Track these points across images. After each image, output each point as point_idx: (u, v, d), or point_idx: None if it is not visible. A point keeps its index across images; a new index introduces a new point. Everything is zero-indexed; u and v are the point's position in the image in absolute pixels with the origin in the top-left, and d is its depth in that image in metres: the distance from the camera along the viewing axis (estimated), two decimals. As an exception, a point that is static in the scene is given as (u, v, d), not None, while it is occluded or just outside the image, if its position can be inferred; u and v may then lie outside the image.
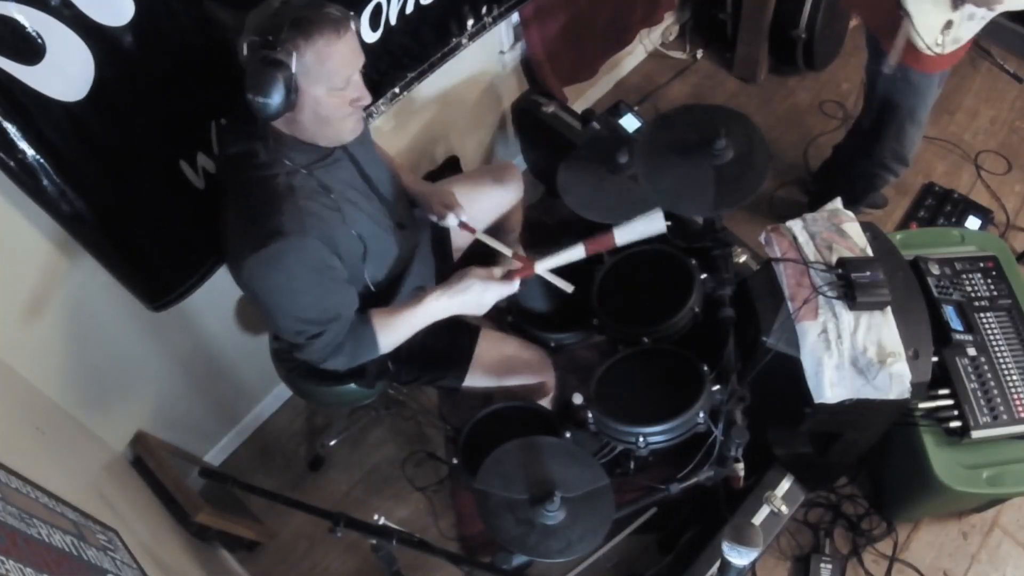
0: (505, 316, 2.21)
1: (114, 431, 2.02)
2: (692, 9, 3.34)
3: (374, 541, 1.46)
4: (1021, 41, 3.19)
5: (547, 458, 1.54)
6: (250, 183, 1.46)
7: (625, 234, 1.66)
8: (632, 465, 2.05)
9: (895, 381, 1.62)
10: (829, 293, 1.69)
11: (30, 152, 1.35)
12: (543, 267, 1.67)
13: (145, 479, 2.04)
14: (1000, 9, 1.89)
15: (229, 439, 2.47)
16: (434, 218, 1.86)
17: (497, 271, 1.63)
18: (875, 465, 2.23)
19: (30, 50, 1.28)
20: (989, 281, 2.03)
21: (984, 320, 1.96)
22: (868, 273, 1.66)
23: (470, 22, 2.14)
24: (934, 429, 1.89)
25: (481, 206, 2.02)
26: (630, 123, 2.65)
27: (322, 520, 1.45)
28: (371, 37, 1.89)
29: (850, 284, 1.65)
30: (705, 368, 1.67)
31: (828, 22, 2.95)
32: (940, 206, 2.82)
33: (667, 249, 1.91)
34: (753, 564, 1.58)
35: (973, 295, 2.00)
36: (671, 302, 1.78)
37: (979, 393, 1.86)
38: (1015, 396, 1.86)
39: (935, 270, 1.98)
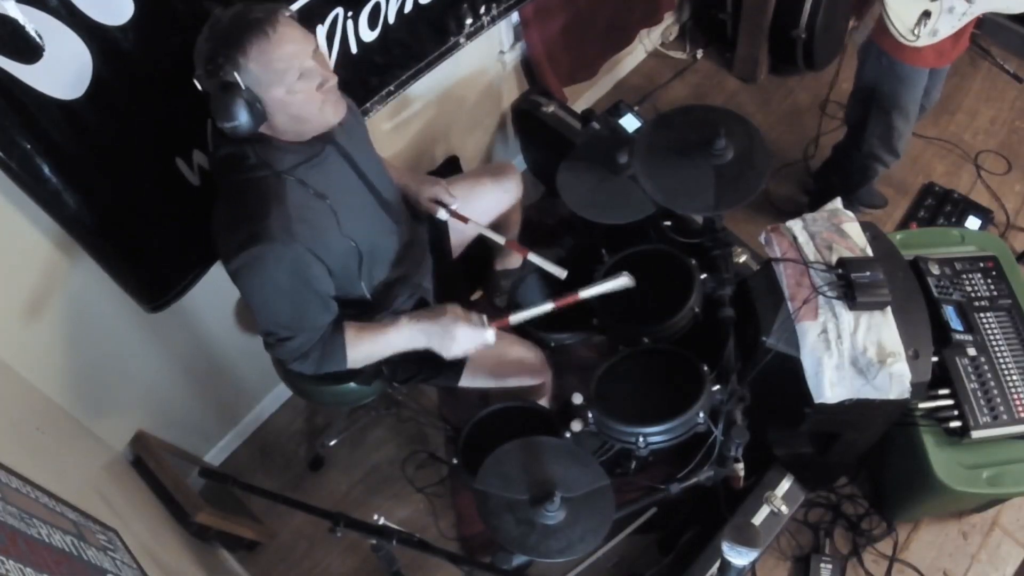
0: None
1: (114, 431, 2.02)
2: (692, 9, 3.34)
3: (374, 541, 1.46)
4: (1021, 41, 3.19)
5: (547, 458, 1.54)
6: (242, 184, 1.46)
7: (591, 291, 1.74)
8: (632, 465, 2.05)
9: (895, 381, 1.62)
10: (829, 293, 1.69)
11: (29, 150, 1.35)
12: (516, 317, 1.72)
13: (145, 479, 2.04)
14: (982, 9, 1.89)
15: (229, 439, 2.47)
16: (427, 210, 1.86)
17: (475, 316, 1.65)
18: (875, 465, 2.22)
19: (29, 49, 1.28)
20: (989, 281, 2.03)
21: (984, 320, 1.96)
22: (868, 273, 1.66)
23: (468, 21, 2.14)
24: (934, 429, 1.88)
25: (480, 205, 2.02)
26: (630, 123, 2.65)
27: (322, 520, 1.45)
28: (369, 36, 1.89)
29: (850, 284, 1.65)
30: (705, 368, 1.67)
31: (828, 22, 2.94)
32: (940, 206, 2.82)
33: (667, 249, 1.91)
34: (753, 564, 1.57)
35: (973, 295, 2.00)
36: (671, 302, 1.78)
37: (979, 393, 1.86)
38: (1015, 396, 1.86)
39: (935, 270, 1.98)
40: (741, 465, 1.64)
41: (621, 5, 2.78)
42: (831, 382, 1.64)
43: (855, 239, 1.78)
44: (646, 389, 1.72)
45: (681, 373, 1.68)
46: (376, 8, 1.86)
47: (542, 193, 2.89)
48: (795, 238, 1.81)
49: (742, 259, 2.12)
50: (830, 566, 2.13)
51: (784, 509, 1.84)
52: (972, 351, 1.90)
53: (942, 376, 1.87)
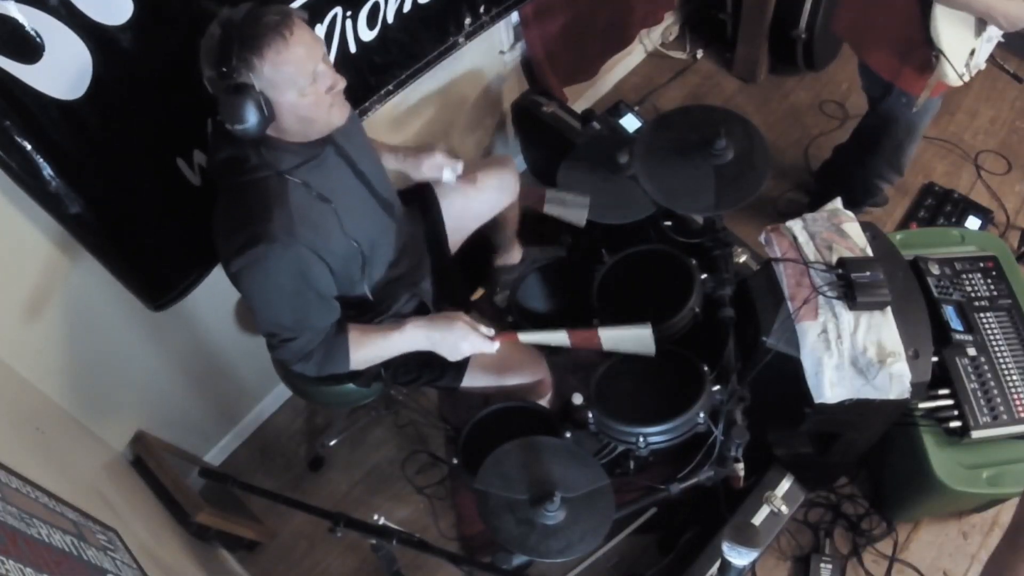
0: (505, 316, 2.21)
1: (114, 431, 2.02)
2: (692, 9, 3.34)
3: (374, 541, 1.46)
4: (1021, 41, 3.18)
5: (547, 458, 1.54)
6: (243, 186, 1.46)
7: (610, 340, 1.68)
8: (632, 465, 2.05)
9: (895, 381, 1.62)
10: (829, 293, 1.69)
11: (29, 150, 1.35)
12: (525, 338, 1.70)
13: (145, 479, 2.04)
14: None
15: (229, 439, 2.47)
16: (431, 180, 1.87)
17: (484, 328, 1.65)
18: (875, 465, 2.22)
19: (29, 49, 1.28)
20: (989, 281, 2.03)
21: (984, 320, 1.96)
22: (868, 273, 1.66)
23: (467, 21, 2.14)
24: (934, 429, 1.88)
25: (478, 202, 2.02)
26: (630, 123, 2.65)
27: (322, 520, 1.45)
28: (368, 35, 1.89)
29: (850, 284, 1.65)
30: (705, 368, 1.67)
31: (828, 22, 2.95)
32: (940, 206, 2.82)
33: (667, 249, 1.91)
34: (753, 564, 1.58)
35: (973, 295, 2.00)
36: (671, 302, 1.78)
37: (979, 393, 1.86)
38: (1015, 396, 1.86)
39: (935, 270, 1.98)
40: (741, 465, 1.64)
41: (621, 5, 2.78)
42: (831, 382, 1.64)
43: (855, 239, 1.79)
44: (646, 389, 1.72)
45: (681, 373, 1.68)
46: (375, 7, 1.86)
47: (542, 193, 2.89)
48: (795, 238, 1.81)
49: (742, 259, 2.12)
50: (830, 566, 2.13)
51: (784, 509, 1.84)
52: (972, 351, 1.90)
53: (942, 376, 1.87)
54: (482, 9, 2.16)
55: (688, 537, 2.08)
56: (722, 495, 1.84)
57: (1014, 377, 1.88)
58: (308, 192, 1.48)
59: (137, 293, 1.71)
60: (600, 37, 2.80)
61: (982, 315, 1.97)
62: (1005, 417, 1.84)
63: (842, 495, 2.26)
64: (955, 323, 1.92)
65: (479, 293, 2.38)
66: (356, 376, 1.80)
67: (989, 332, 1.94)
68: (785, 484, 1.87)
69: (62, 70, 1.34)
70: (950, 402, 1.86)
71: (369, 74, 1.97)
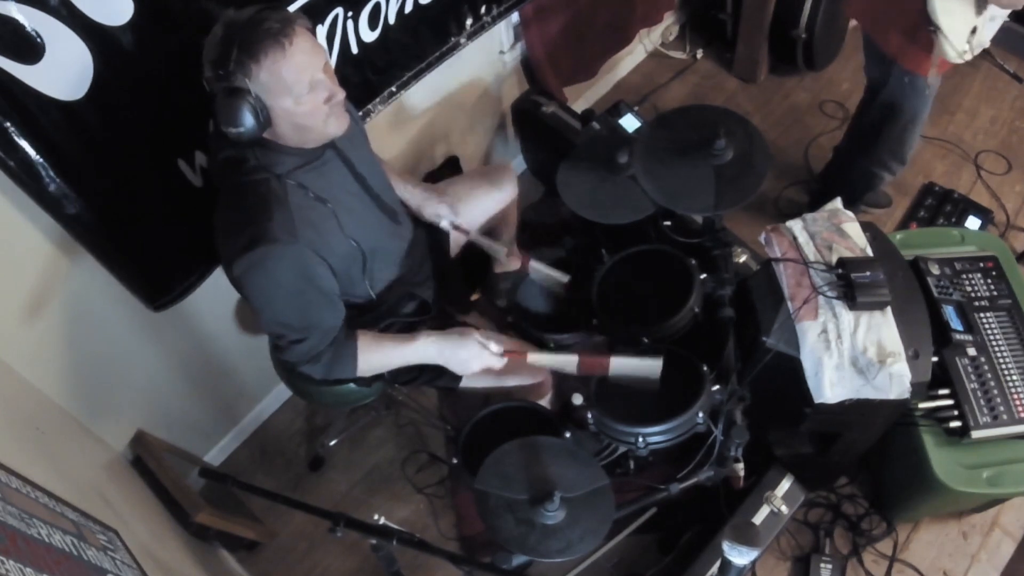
0: (505, 316, 2.21)
1: (114, 431, 2.02)
2: (692, 9, 3.34)
3: (374, 541, 1.46)
4: (1021, 41, 3.19)
5: (547, 458, 1.54)
6: (243, 187, 1.46)
7: (619, 367, 1.67)
8: (632, 465, 2.05)
9: (895, 381, 1.62)
10: (829, 293, 1.69)
11: (29, 151, 1.36)
12: (534, 359, 1.71)
13: (145, 479, 2.04)
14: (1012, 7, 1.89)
15: (229, 439, 2.47)
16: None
17: (494, 346, 1.66)
18: (875, 465, 2.23)
19: (29, 49, 1.28)
20: (989, 281, 2.03)
21: (984, 320, 1.96)
22: (868, 273, 1.66)
23: (469, 21, 2.14)
24: (934, 429, 1.88)
25: (476, 207, 2.03)
26: (630, 123, 2.65)
27: (322, 520, 1.45)
28: (370, 36, 1.89)
29: (850, 284, 1.65)
30: (705, 368, 1.67)
31: (828, 22, 2.95)
32: (940, 206, 2.82)
33: (667, 249, 1.91)
34: (753, 564, 1.58)
35: (973, 295, 2.00)
36: (671, 302, 1.78)
37: (979, 393, 1.86)
38: (1015, 396, 1.86)
39: (935, 270, 1.98)
40: (741, 465, 1.64)
41: (621, 5, 2.78)
42: (831, 382, 1.64)
43: (855, 239, 1.79)
44: (646, 389, 1.72)
45: (681, 373, 1.68)
46: (376, 8, 1.86)
47: (542, 193, 2.89)
48: (795, 238, 1.81)
49: (742, 259, 2.12)
50: (830, 566, 2.13)
51: (784, 509, 1.84)
52: (972, 351, 1.90)
53: (942, 376, 1.87)
54: (483, 9, 2.16)
55: (688, 537, 2.08)
56: (722, 495, 1.84)
57: (1014, 377, 1.88)
58: (305, 193, 1.49)
59: (137, 293, 1.71)
60: (600, 37, 2.80)
61: (982, 315, 1.97)
62: (1005, 417, 1.84)
63: (842, 495, 2.27)
64: (955, 323, 1.92)
65: (478, 295, 2.38)
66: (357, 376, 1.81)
67: (989, 332, 1.94)
68: (785, 484, 1.87)
69: (63, 71, 1.34)
70: (950, 402, 1.86)
71: (371, 75, 1.97)
